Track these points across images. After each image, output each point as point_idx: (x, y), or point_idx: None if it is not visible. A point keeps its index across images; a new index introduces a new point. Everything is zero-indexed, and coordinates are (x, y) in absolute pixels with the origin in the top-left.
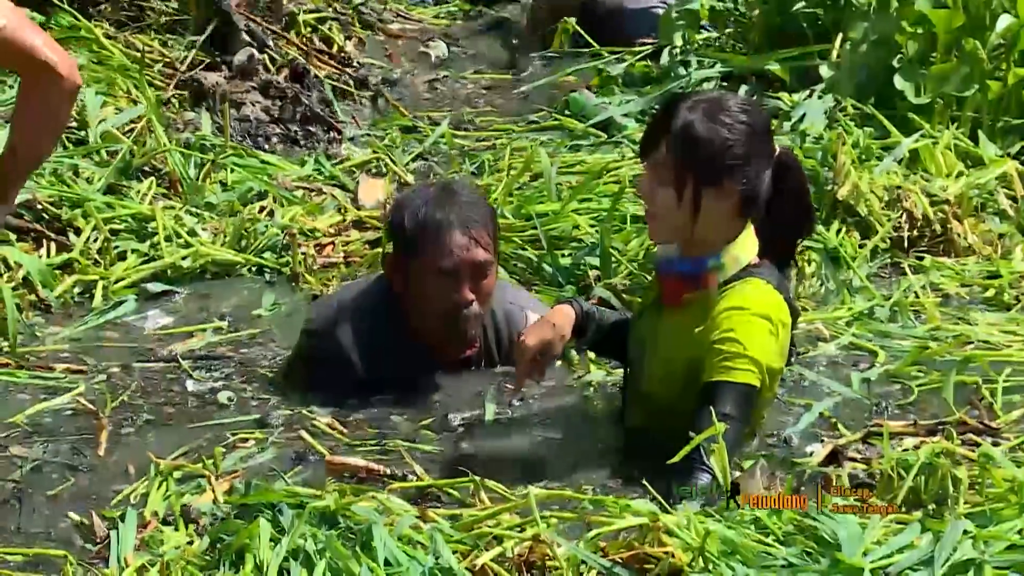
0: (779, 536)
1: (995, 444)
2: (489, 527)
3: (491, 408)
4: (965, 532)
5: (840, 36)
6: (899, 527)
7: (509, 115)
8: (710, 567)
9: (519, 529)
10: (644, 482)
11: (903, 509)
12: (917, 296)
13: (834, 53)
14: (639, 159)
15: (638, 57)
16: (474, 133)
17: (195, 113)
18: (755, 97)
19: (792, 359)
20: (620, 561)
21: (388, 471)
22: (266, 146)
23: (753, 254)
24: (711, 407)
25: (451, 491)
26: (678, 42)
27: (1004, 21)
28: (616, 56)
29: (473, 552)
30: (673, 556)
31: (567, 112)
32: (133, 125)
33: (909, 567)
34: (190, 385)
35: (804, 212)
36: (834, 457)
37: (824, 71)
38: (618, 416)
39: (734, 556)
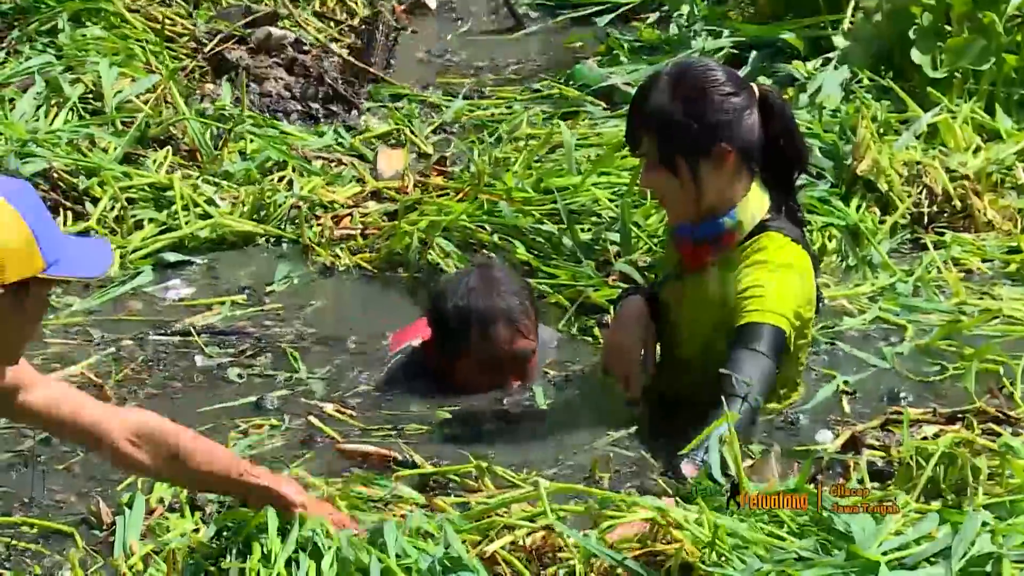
0: (793, 529)
1: (1015, 434)
2: (499, 516)
3: (539, 392)
4: (984, 524)
5: (852, 5)
6: (917, 516)
7: (519, 82)
8: (723, 561)
9: (530, 520)
10: (659, 477)
11: (922, 499)
12: (940, 271)
13: (845, 23)
14: (633, 156)
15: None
16: (479, 102)
17: (216, 84)
18: (764, 64)
19: (820, 305)
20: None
21: (400, 456)
22: (286, 121)
23: (766, 207)
24: (743, 346)
25: (455, 477)
26: (685, 9)
27: None
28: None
29: (484, 541)
30: (686, 552)
31: (571, 83)
32: (151, 95)
33: (926, 559)
34: (199, 360)
35: (796, 148)
36: (853, 444)
37: (839, 42)
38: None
39: (747, 550)
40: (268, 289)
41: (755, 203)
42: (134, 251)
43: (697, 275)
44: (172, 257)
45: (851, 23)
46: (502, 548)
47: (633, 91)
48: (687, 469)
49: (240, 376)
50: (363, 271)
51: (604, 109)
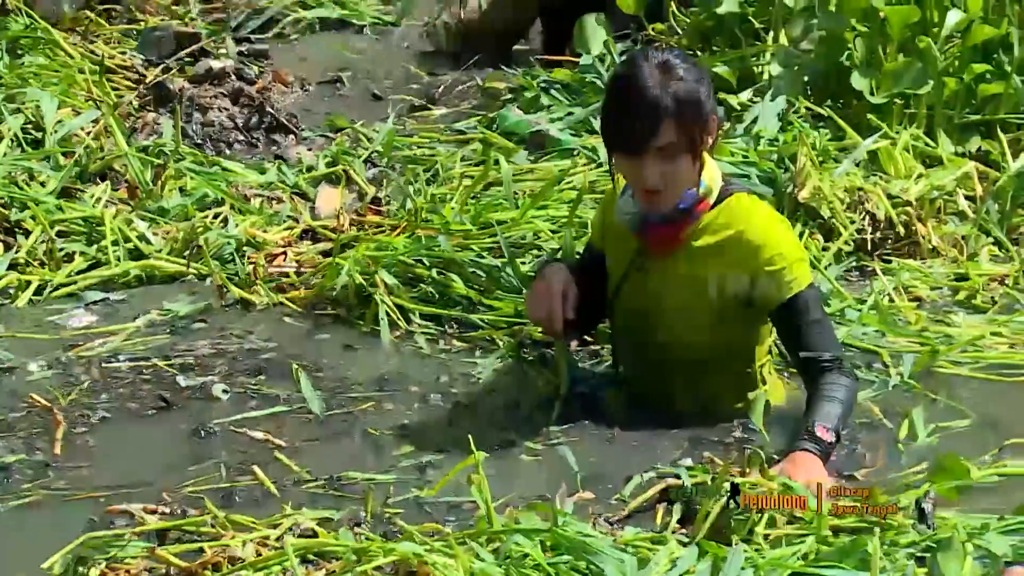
0: (551, 574)
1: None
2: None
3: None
4: (748, 559)
5: (772, 35)
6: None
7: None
8: None
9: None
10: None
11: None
12: (891, 299)
13: (768, 53)
14: (639, 154)
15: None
16: (404, 139)
17: (156, 114)
18: None
19: None
20: None
21: (167, 511)
22: (227, 151)
23: (719, 172)
24: (801, 321)
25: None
26: (596, 51)
27: (954, 16)
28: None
29: None
30: None
31: (495, 128)
32: (92, 128)
33: None
34: (181, 380)
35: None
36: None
37: (773, 70)
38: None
39: None
40: (151, 321)
41: (713, 169)
42: (60, 287)
43: (667, 259)
44: (92, 296)
45: (773, 53)
46: None
47: (563, 135)
48: (823, 432)
49: (225, 392)
50: (282, 308)
51: (529, 158)
